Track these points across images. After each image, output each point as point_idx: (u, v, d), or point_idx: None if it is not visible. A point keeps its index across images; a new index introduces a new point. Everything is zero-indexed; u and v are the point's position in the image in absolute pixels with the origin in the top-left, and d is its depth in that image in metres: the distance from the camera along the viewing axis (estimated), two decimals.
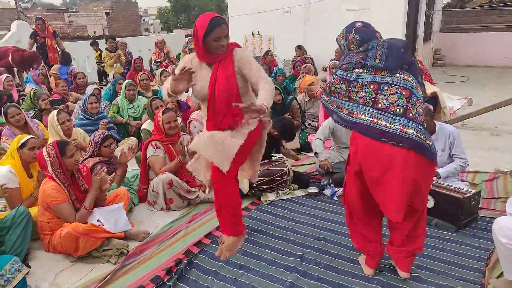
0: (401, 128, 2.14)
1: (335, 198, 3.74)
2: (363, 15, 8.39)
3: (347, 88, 2.29)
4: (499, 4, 11.99)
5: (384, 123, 2.17)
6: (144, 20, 42.27)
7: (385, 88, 2.21)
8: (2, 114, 4.15)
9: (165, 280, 2.65)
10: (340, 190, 3.79)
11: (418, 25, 9.96)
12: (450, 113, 6.42)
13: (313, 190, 3.87)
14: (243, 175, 2.82)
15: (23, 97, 6.19)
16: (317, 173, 4.23)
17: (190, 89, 6.38)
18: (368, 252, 2.59)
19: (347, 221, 2.67)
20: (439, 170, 3.42)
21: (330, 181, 3.94)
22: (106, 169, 3.15)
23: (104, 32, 29.62)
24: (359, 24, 2.38)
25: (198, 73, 2.45)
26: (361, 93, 2.24)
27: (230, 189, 2.49)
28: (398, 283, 2.52)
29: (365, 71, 2.25)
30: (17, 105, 4.24)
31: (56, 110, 4.06)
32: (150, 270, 2.78)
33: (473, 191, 3.24)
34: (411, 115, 2.17)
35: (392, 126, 2.15)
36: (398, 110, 2.17)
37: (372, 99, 2.22)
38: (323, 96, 2.47)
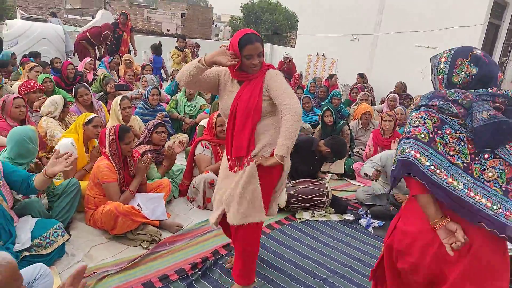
0: (507, 212, 1.50)
1: (370, 229, 3.68)
2: (431, 54, 8.20)
3: (435, 128, 1.62)
4: None
5: (484, 200, 1.52)
6: (215, 25, 43.88)
7: (486, 156, 1.58)
8: (73, 92, 4.51)
9: (189, 274, 2.74)
10: (376, 223, 3.72)
11: None
12: None
13: (349, 217, 3.83)
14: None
15: (96, 79, 6.68)
16: (356, 201, 4.17)
17: None
18: None
19: None
20: None
21: (368, 212, 3.88)
22: (150, 156, 3.33)
23: (176, 31, 31.13)
24: (479, 52, 1.67)
25: (227, 89, 2.39)
26: (453, 146, 1.60)
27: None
28: None
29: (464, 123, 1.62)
30: (87, 85, 4.59)
31: (121, 96, 4.34)
32: (176, 262, 2.89)
33: None
34: None
35: (495, 207, 1.51)
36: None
37: (465, 164, 1.58)
38: (405, 146, 1.64)
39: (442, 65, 1.71)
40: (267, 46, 14.45)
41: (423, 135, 1.60)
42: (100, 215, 3.05)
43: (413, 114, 1.71)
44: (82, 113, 4.34)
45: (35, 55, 7.06)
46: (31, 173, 2.65)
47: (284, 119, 2.15)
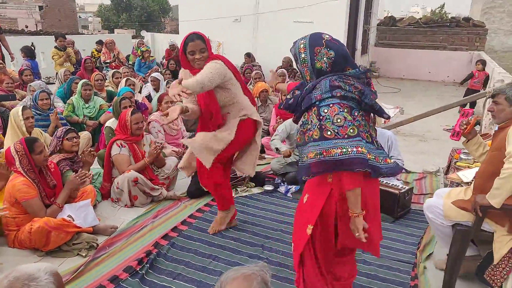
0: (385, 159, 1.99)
1: (289, 194, 4.11)
2: (309, 27, 8.96)
3: (351, 116, 1.84)
4: (424, 25, 13.33)
5: (380, 159, 1.94)
6: (80, 17, 40.44)
7: (368, 119, 2.01)
8: None
9: (138, 269, 2.82)
10: (293, 188, 4.17)
11: (356, 39, 10.81)
12: (385, 121, 7.13)
13: (269, 187, 4.21)
14: (244, 169, 3.26)
15: None
16: (271, 172, 4.58)
17: (145, 90, 6.39)
18: None
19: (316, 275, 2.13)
20: None
21: (284, 180, 4.31)
22: (89, 173, 3.26)
23: (37, 27, 27.90)
24: (327, 36, 1.93)
25: None
26: (361, 124, 1.88)
27: (211, 174, 3.04)
28: None
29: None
30: None
31: (21, 106, 4.02)
32: (121, 262, 2.93)
33: (407, 187, 3.77)
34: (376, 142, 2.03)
35: (380, 160, 1.95)
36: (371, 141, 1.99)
37: (368, 133, 1.95)
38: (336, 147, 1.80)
39: (303, 55, 1.92)
40: (148, 35, 14.06)
41: (351, 130, 1.80)
42: (27, 235, 2.91)
43: (326, 110, 1.83)
44: None
45: None
46: None
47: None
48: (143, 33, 14.86)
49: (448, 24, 13.18)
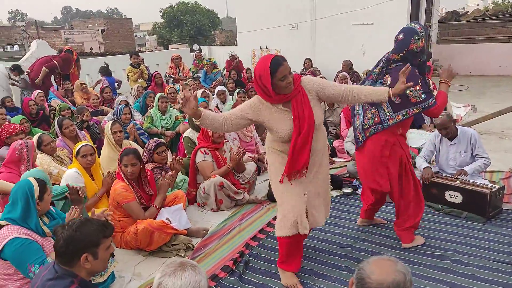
0: None
1: None
2: (368, 29, 8.87)
3: None
4: (492, 17, 12.64)
5: None
6: (136, 36, 42.81)
7: None
8: (57, 125, 4.44)
9: (234, 268, 2.96)
10: None
11: None
12: (457, 120, 6.86)
13: (347, 190, 4.22)
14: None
15: (53, 111, 6.46)
16: (348, 175, 4.58)
17: (214, 101, 6.60)
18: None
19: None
20: (466, 168, 3.78)
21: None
22: (172, 173, 3.49)
23: (100, 49, 29.94)
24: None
25: (272, 117, 2.50)
26: None
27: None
28: (443, 264, 2.87)
29: None
30: (69, 117, 4.53)
31: (112, 121, 4.37)
32: (217, 261, 3.09)
33: (498, 186, 3.61)
34: None
35: None
36: None
37: None
38: None
39: (422, 33, 2.93)
40: (204, 48, 14.57)
41: None
42: (133, 235, 3.15)
43: None
44: (69, 146, 4.36)
45: None
46: None
47: (357, 87, 2.55)
48: (195, 46, 15.41)
49: None
